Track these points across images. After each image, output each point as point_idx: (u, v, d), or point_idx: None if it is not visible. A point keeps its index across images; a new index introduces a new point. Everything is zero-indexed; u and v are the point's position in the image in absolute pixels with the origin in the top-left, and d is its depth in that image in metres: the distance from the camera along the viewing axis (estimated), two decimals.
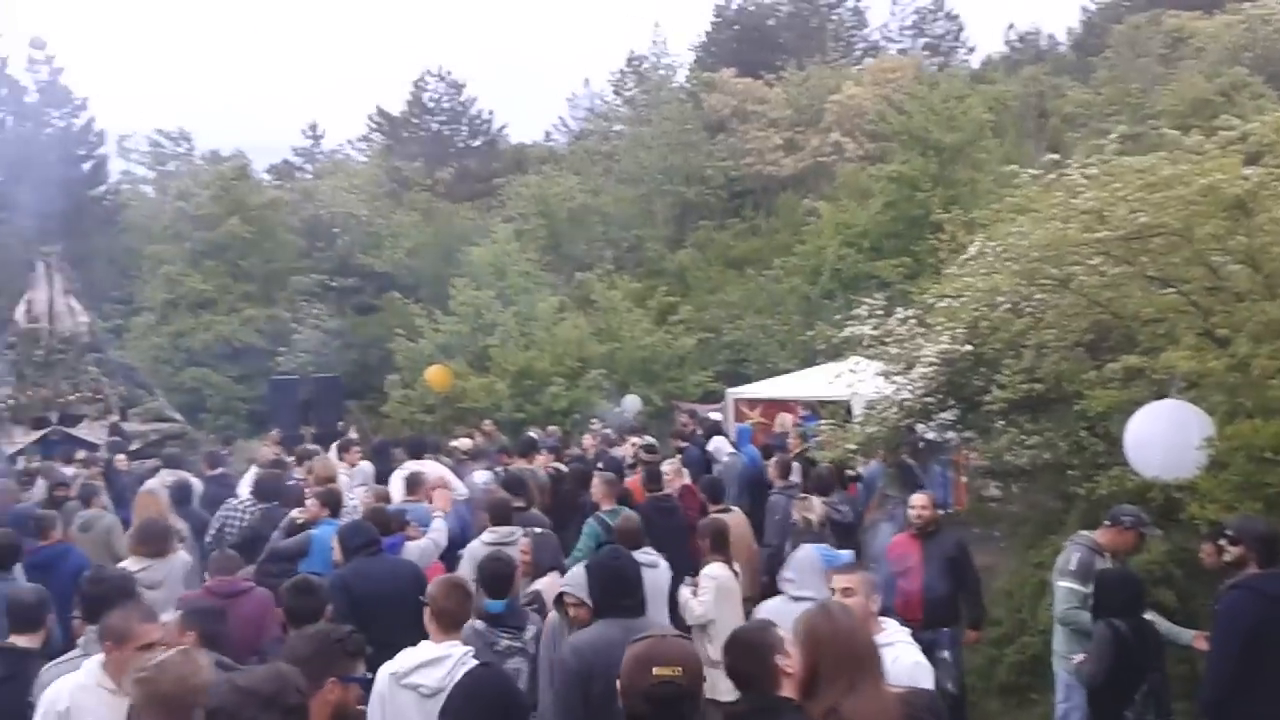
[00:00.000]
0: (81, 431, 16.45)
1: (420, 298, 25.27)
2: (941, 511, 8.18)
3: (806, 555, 5.30)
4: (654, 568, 6.24)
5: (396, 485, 9.03)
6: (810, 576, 5.04)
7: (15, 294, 18.37)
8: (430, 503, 8.12)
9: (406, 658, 4.39)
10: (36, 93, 33.67)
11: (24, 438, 16.02)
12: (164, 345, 26.62)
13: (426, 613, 4.53)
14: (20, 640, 4.95)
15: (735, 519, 8.18)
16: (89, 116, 34.43)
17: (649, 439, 12.04)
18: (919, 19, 47.23)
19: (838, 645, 3.09)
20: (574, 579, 5.04)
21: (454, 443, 12.48)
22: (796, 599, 4.88)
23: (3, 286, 19.25)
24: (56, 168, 29.43)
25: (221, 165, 32.72)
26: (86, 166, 34.02)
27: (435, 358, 21.14)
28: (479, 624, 5.02)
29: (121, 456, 12.49)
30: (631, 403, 19.63)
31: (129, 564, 6.40)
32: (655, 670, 2.87)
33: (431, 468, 9.63)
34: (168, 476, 9.85)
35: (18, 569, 6.72)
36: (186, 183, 32.16)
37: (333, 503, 7.46)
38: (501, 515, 7.25)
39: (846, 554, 6.05)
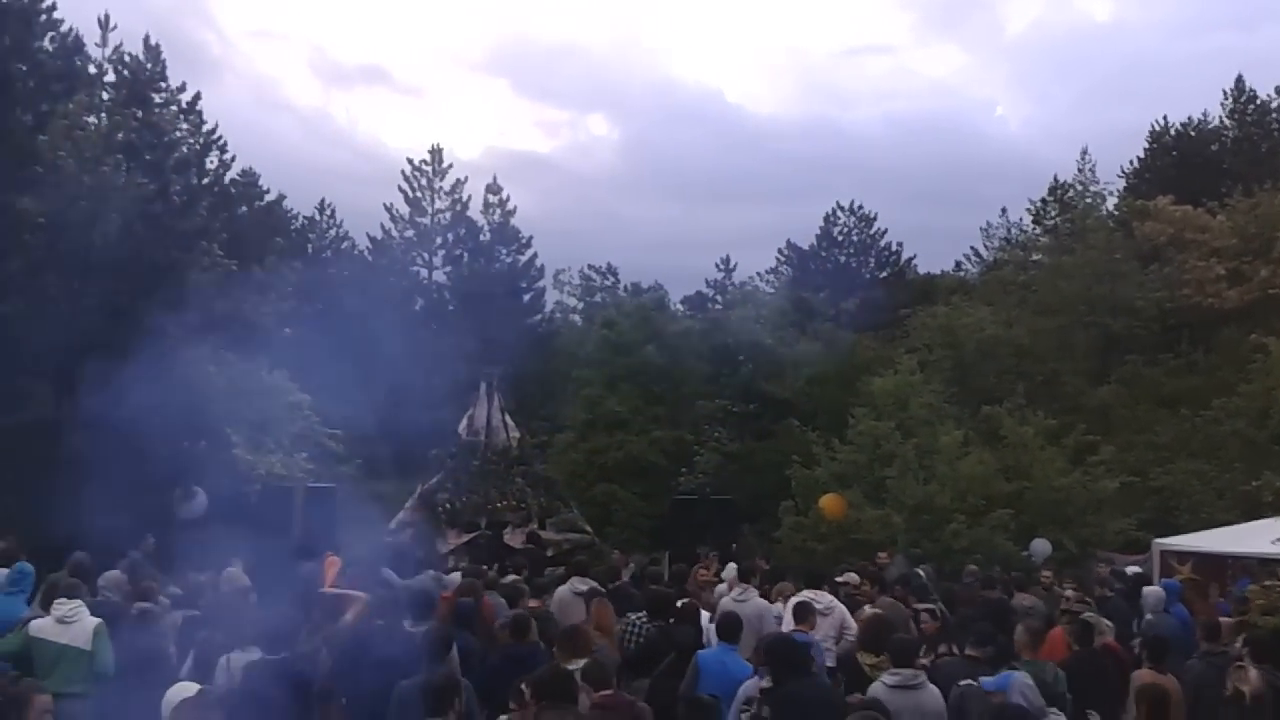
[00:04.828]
0: (505, 537, 17.89)
1: (818, 425, 25.17)
2: None
3: None
4: None
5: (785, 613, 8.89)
6: None
7: (460, 409, 20.58)
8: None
9: None
10: (489, 232, 38.54)
11: (456, 539, 17.68)
12: (580, 461, 28.61)
13: None
14: None
15: (1169, 684, 7.17)
16: (532, 253, 38.83)
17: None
18: None
19: None
20: None
21: (841, 578, 11.81)
22: None
23: (452, 401, 21.63)
24: (502, 298, 33.29)
25: (642, 297, 35.26)
26: (526, 298, 38.22)
27: (830, 486, 20.92)
28: None
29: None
30: (1040, 547, 18.21)
31: None
32: None
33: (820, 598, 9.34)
34: (579, 584, 10.25)
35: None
36: (611, 313, 34.73)
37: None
38: (904, 658, 6.64)
39: None
